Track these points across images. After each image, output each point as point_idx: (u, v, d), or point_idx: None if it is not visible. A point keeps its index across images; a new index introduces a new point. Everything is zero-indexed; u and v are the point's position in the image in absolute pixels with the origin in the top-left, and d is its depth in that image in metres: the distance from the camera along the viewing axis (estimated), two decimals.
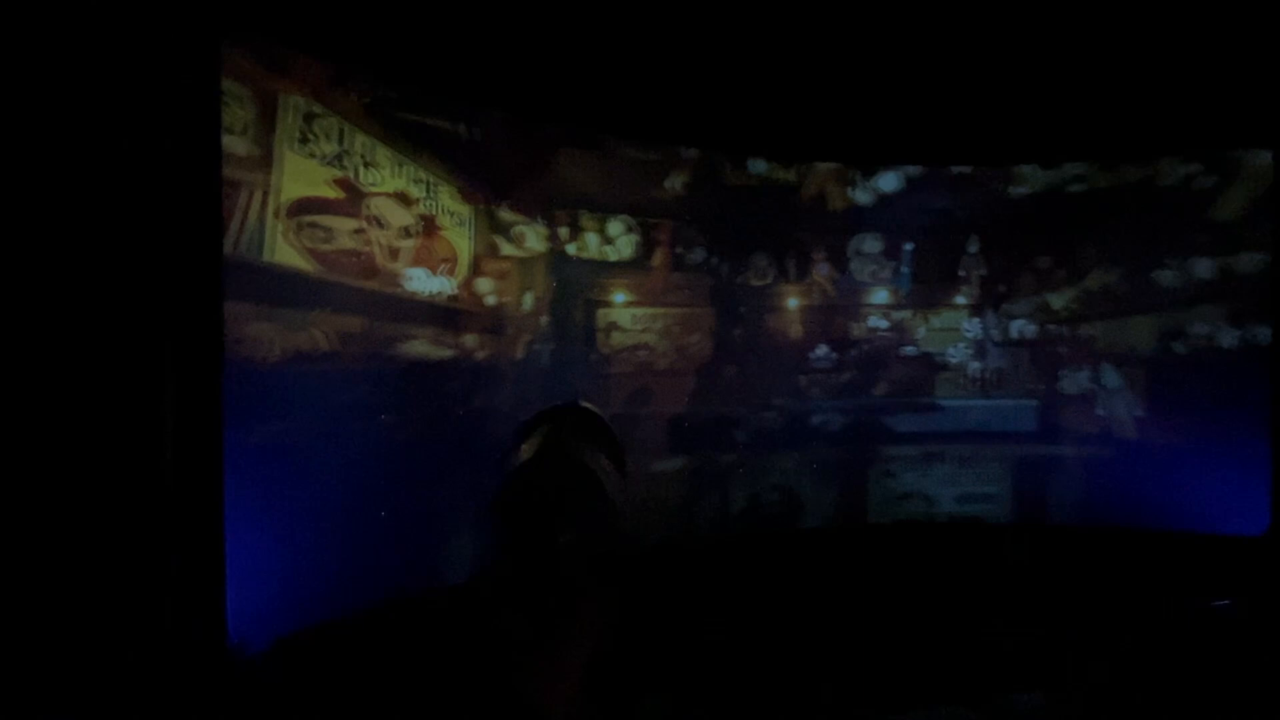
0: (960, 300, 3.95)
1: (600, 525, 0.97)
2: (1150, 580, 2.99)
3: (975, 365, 3.93)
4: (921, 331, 3.96)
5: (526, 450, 0.99)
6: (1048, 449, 3.83)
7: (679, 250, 3.56)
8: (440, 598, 2.75)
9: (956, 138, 3.64)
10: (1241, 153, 3.47)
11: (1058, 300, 3.85)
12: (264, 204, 2.28)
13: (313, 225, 2.41)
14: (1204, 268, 3.55)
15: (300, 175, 2.38)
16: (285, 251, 2.34)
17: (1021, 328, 3.88)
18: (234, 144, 2.20)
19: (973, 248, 3.89)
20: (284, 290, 2.33)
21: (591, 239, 3.34)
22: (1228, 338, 3.51)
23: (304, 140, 2.40)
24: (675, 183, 3.53)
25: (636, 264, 3.47)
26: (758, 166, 3.69)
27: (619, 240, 3.41)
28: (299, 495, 2.34)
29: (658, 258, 3.51)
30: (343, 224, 2.50)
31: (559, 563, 0.91)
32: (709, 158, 3.57)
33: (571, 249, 3.27)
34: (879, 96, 3.44)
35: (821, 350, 3.87)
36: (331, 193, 2.47)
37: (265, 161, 2.29)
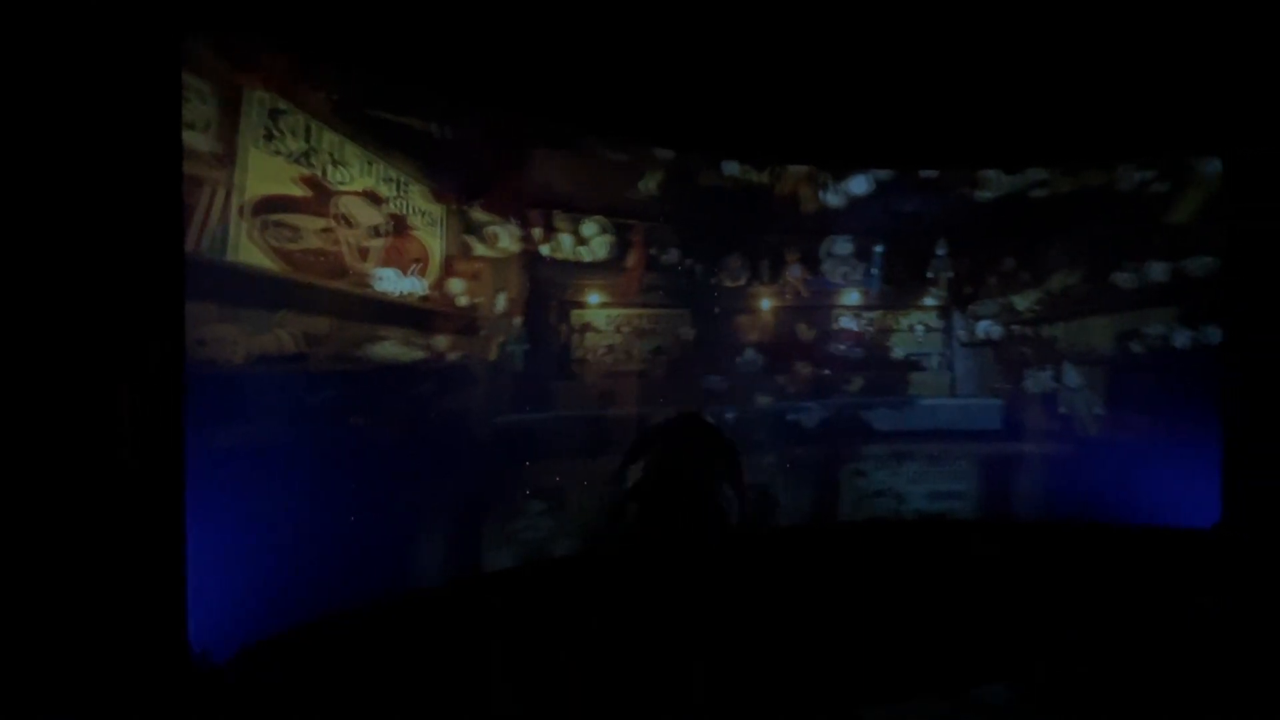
0: (929, 301, 4.04)
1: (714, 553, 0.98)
2: (1109, 574, 3.08)
3: (943, 365, 4.02)
4: (892, 332, 4.03)
5: (642, 471, 1.00)
6: (1013, 447, 3.93)
7: (653, 251, 3.57)
8: (413, 602, 2.72)
9: (924, 142, 3.72)
10: (1194, 160, 3.61)
11: (1021, 302, 3.95)
12: (227, 202, 2.22)
13: (279, 224, 2.36)
14: (1159, 270, 3.68)
15: (266, 173, 2.33)
16: (250, 251, 2.29)
17: (987, 328, 3.98)
18: (196, 140, 2.14)
19: (940, 250, 3.98)
20: (249, 290, 2.28)
21: (566, 240, 3.32)
22: (1181, 338, 3.64)
23: (269, 137, 2.35)
24: (649, 184, 3.53)
25: (611, 265, 3.47)
26: (731, 168, 3.72)
27: (593, 241, 3.41)
28: (265, 499, 2.29)
29: (632, 259, 3.51)
30: (310, 223, 2.45)
31: None
32: (683, 159, 3.59)
33: (545, 250, 3.26)
34: (849, 101, 3.50)
35: (793, 351, 3.91)
36: (298, 191, 2.43)
37: (229, 159, 2.24)
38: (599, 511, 3.11)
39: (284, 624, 2.32)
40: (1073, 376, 3.86)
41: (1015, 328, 3.96)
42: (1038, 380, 3.92)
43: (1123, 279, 3.76)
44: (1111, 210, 3.76)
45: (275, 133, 2.37)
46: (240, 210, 2.26)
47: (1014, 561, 3.45)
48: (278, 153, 2.37)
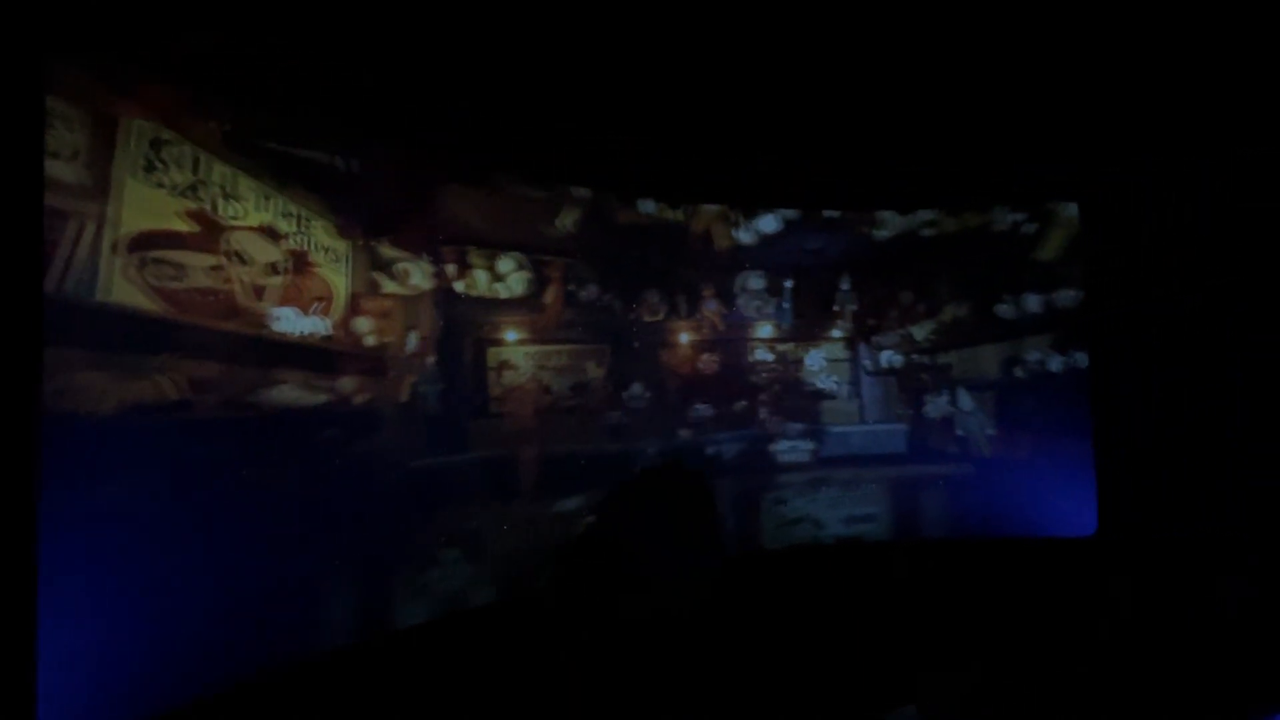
0: (836, 333, 4.25)
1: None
2: (1007, 586, 3.28)
3: (852, 393, 4.22)
4: (804, 363, 4.20)
5: (592, 524, 0.93)
6: (917, 469, 4.15)
7: (571, 287, 3.56)
8: (318, 667, 2.50)
9: (826, 184, 3.98)
10: (1055, 204, 4.05)
11: (919, 332, 4.24)
12: (98, 237, 2.03)
13: (159, 261, 2.17)
14: (1033, 303, 4.06)
15: (145, 206, 2.15)
16: (125, 290, 2.09)
17: (890, 358, 4.23)
18: (61, 170, 1.95)
19: (845, 284, 4.21)
20: (122, 333, 2.07)
21: (481, 276, 3.26)
22: (1055, 363, 4.02)
23: (150, 168, 2.18)
24: (566, 220, 3.55)
25: (528, 301, 3.42)
26: (647, 206, 3.81)
27: (510, 277, 3.36)
28: (138, 567, 2.05)
29: (550, 295, 3.49)
30: (197, 260, 2.27)
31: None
32: (600, 197, 3.64)
33: (460, 286, 3.18)
34: (758, 145, 3.71)
35: (712, 383, 3.99)
36: (183, 226, 2.25)
37: (101, 190, 2.05)
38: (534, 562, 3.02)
39: (162, 707, 2.06)
40: (966, 401, 4.15)
41: (914, 356, 4.23)
42: (936, 405, 4.19)
43: (1003, 310, 4.11)
44: (990, 248, 4.13)
45: (157, 164, 2.20)
46: (114, 246, 2.07)
47: (924, 581, 3.61)
48: (160, 185, 2.20)
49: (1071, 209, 4.01)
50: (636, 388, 3.75)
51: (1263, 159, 3.10)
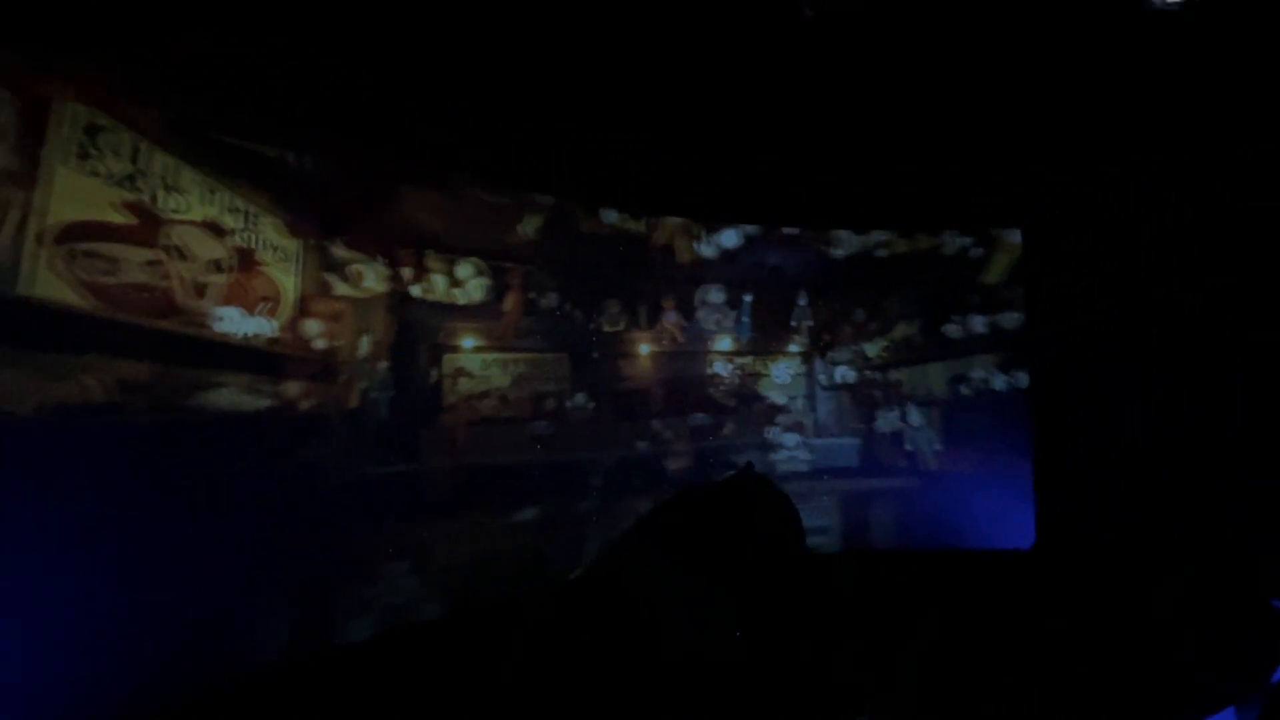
0: (793, 348, 4.32)
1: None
2: (950, 596, 3.37)
3: (807, 407, 4.30)
4: (761, 376, 4.26)
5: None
6: (868, 482, 4.25)
7: (531, 295, 3.52)
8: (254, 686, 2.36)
9: (785, 202, 4.06)
10: (999, 231, 4.24)
11: (871, 349, 4.35)
12: (22, 226, 1.90)
13: (90, 254, 2.04)
14: (979, 323, 4.23)
15: (76, 195, 2.02)
16: (50, 284, 1.96)
17: (843, 373, 4.33)
18: None
19: (801, 300, 4.30)
20: (45, 330, 1.93)
21: (439, 281, 3.19)
22: (999, 382, 4.19)
23: (85, 156, 2.06)
24: (528, 227, 3.51)
25: (487, 308, 3.37)
26: (610, 216, 3.81)
27: (469, 283, 3.30)
28: (55, 579, 1.90)
29: (509, 302, 3.44)
30: (132, 254, 2.15)
31: None
32: (562, 205, 3.62)
33: (416, 290, 3.10)
34: (721, 160, 3.76)
35: (671, 395, 4.00)
36: (118, 217, 2.13)
37: (28, 177, 1.92)
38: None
39: None
40: (915, 416, 4.28)
41: (867, 372, 4.34)
42: (887, 420, 4.31)
43: (951, 330, 4.27)
44: (940, 270, 4.29)
45: (92, 151, 2.07)
46: (40, 236, 1.93)
47: (872, 591, 3.68)
48: (94, 173, 2.08)
49: (1015, 235, 4.21)
50: (587, 399, 3.72)
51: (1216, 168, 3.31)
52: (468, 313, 3.30)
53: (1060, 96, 3.33)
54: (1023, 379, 4.11)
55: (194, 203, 2.33)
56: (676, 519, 0.83)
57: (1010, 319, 4.18)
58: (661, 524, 0.83)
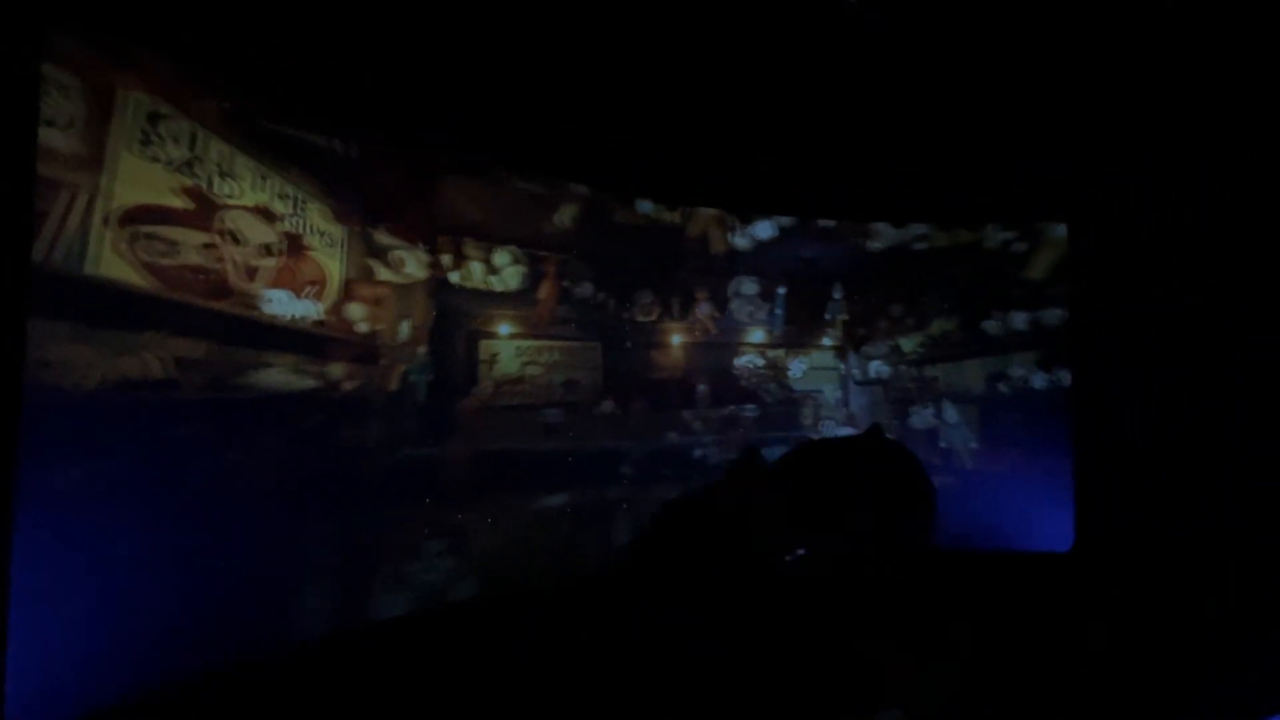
0: (827, 342, 4.28)
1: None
2: (986, 597, 3.32)
3: (840, 402, 4.25)
4: (794, 369, 4.23)
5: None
6: None
7: (566, 283, 3.56)
8: (288, 661, 2.46)
9: (822, 194, 4.02)
10: (1044, 225, 4.12)
11: (907, 344, 4.28)
12: (89, 209, 1.99)
13: (151, 236, 2.14)
14: (1020, 320, 4.13)
15: (139, 180, 2.12)
16: (114, 264, 2.05)
17: (878, 368, 4.27)
18: (55, 139, 1.92)
19: (837, 294, 4.25)
20: (110, 308, 2.03)
21: (476, 268, 3.25)
22: (1039, 380, 4.08)
23: (147, 142, 2.15)
24: (564, 217, 3.55)
25: (522, 295, 3.41)
26: (645, 207, 3.82)
27: (505, 271, 3.35)
28: (112, 547, 2.01)
29: (544, 290, 3.48)
30: (189, 237, 2.24)
31: None
32: (598, 195, 3.64)
33: (455, 277, 3.16)
34: (757, 151, 3.73)
35: (703, 386, 4.00)
36: (178, 202, 2.22)
37: (95, 162, 2.02)
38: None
39: (131, 690, 2.02)
40: (951, 414, 4.20)
41: (902, 368, 4.28)
42: (921, 417, 4.24)
43: (990, 326, 4.18)
44: (980, 265, 4.20)
45: (154, 138, 2.16)
46: (105, 219, 2.03)
47: (903, 588, 3.64)
48: (155, 159, 2.17)
49: (1060, 230, 4.09)
50: (618, 387, 3.75)
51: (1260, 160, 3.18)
52: (503, 300, 3.36)
53: (1113, 85, 3.22)
54: (1065, 377, 4.01)
55: (246, 189, 2.42)
56: (809, 462, 0.84)
57: (1053, 316, 4.07)
58: (790, 468, 0.85)
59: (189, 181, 2.25)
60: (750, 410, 4.10)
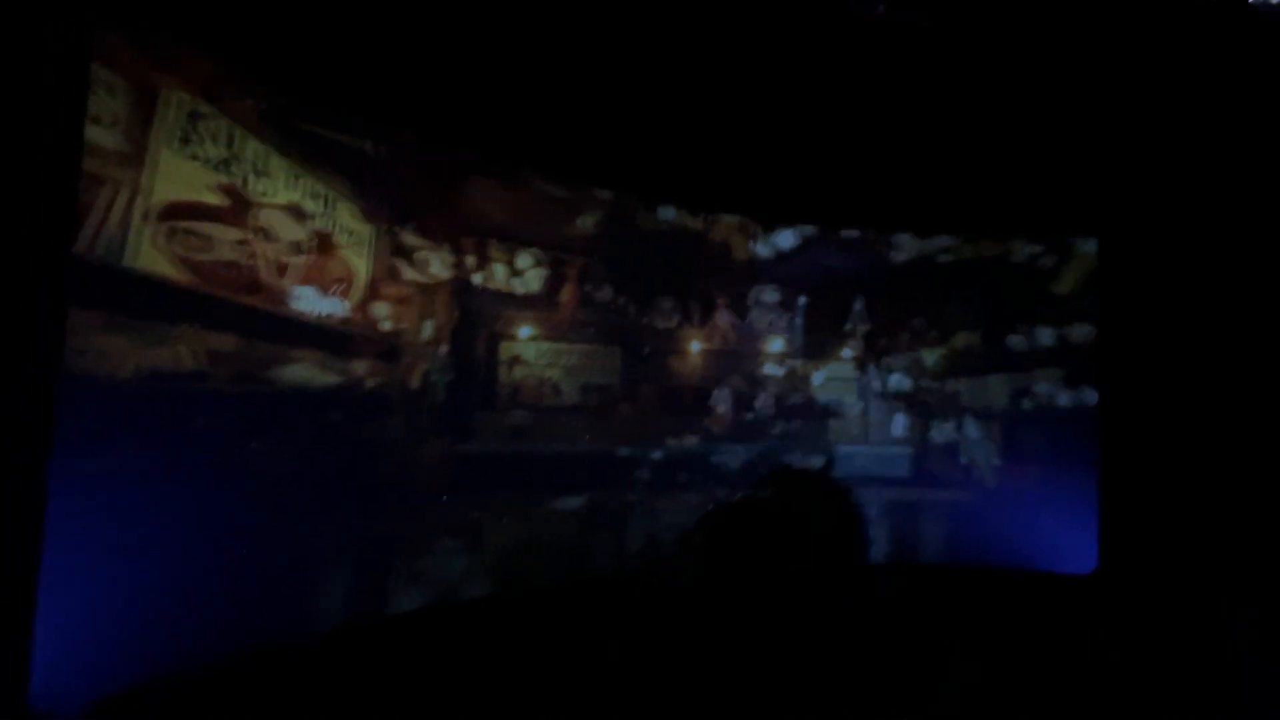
0: (847, 353, 4.25)
1: None
2: (1002, 615, 3.25)
3: (859, 413, 4.22)
4: (813, 380, 4.20)
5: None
6: (919, 493, 4.14)
7: (587, 288, 3.58)
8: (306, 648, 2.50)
9: (845, 204, 3.99)
10: (1074, 239, 4.05)
11: (929, 357, 4.23)
12: (130, 204, 2.06)
13: (188, 232, 2.20)
14: (1046, 336, 4.06)
15: (178, 177, 2.18)
16: (152, 257, 2.12)
17: (899, 380, 4.22)
18: (100, 136, 1.99)
19: (858, 305, 4.22)
20: (146, 299, 2.10)
21: (499, 270, 3.29)
22: (1064, 398, 4.00)
23: (186, 140, 2.22)
24: (587, 221, 3.57)
25: (544, 298, 3.44)
26: (667, 213, 3.83)
27: (528, 273, 3.38)
28: (140, 532, 2.06)
29: (566, 293, 3.51)
30: (224, 233, 2.30)
31: None
32: (621, 200, 3.67)
33: (478, 279, 3.20)
34: (781, 160, 3.73)
35: (721, 393, 4.00)
36: (214, 199, 2.28)
37: (137, 158, 2.09)
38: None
39: (159, 672, 2.07)
40: (973, 429, 4.14)
41: (923, 381, 4.23)
42: (942, 431, 4.18)
43: (1015, 341, 4.11)
44: (1006, 278, 4.14)
45: (193, 136, 2.23)
46: (145, 214, 2.10)
47: (917, 604, 3.59)
48: (194, 157, 2.23)
49: (1090, 244, 4.01)
50: (636, 392, 3.75)
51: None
52: (525, 302, 3.39)
53: (1145, 100, 3.16)
54: (1090, 396, 3.92)
55: (280, 187, 2.48)
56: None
57: (1080, 332, 3.99)
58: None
59: (226, 179, 2.31)
60: (767, 418, 4.08)
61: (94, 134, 1.96)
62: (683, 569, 0.89)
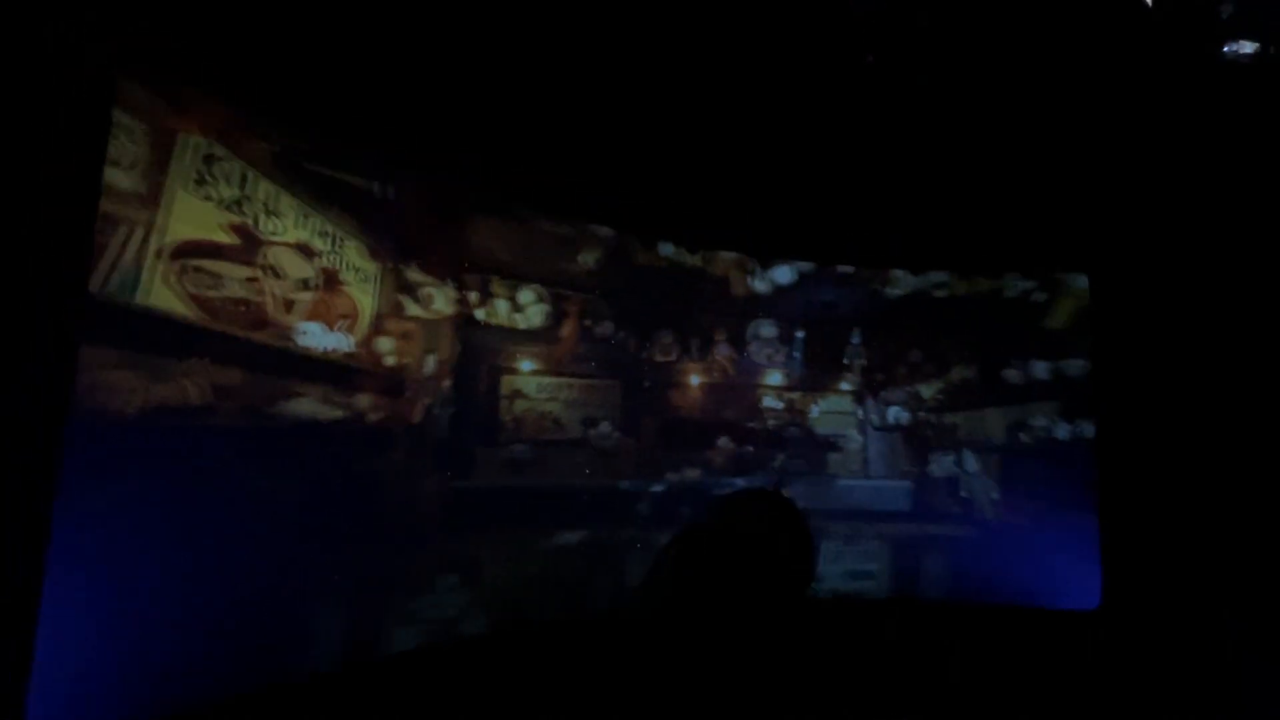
0: (845, 386, 4.28)
1: None
2: (1004, 655, 3.21)
3: (858, 447, 4.23)
4: (811, 413, 4.23)
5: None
6: (920, 528, 4.12)
7: (588, 323, 3.63)
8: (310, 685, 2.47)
9: (841, 240, 4.08)
10: (1065, 275, 4.13)
11: (927, 390, 4.27)
12: (145, 243, 2.11)
13: (199, 270, 2.25)
14: (1041, 369, 4.10)
15: (191, 217, 2.25)
16: (163, 295, 2.16)
17: (897, 414, 4.25)
18: (119, 178, 2.05)
19: (855, 339, 4.27)
20: (156, 336, 2.13)
21: (501, 305, 3.34)
22: (1062, 430, 4.03)
23: (201, 182, 2.29)
24: (588, 258, 3.65)
25: (545, 333, 3.49)
26: (666, 249, 3.92)
27: (529, 309, 3.44)
28: (140, 569, 2.06)
29: (566, 328, 3.56)
30: (234, 271, 2.36)
31: None
32: (621, 237, 3.75)
33: (480, 314, 3.25)
34: (777, 198, 3.83)
35: (720, 427, 4.01)
36: (225, 238, 2.34)
37: (152, 199, 2.15)
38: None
39: (162, 713, 2.04)
40: (971, 462, 4.15)
41: (921, 414, 4.25)
42: (941, 465, 4.19)
43: (1011, 375, 4.15)
44: (1000, 313, 4.20)
45: (208, 178, 2.30)
46: (158, 252, 2.15)
47: (918, 643, 3.55)
48: (208, 198, 2.30)
49: (1081, 280, 4.09)
50: (636, 426, 3.77)
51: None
52: (526, 337, 3.44)
53: (1132, 137, 3.27)
54: (1088, 429, 3.95)
55: (289, 226, 2.55)
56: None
57: (1075, 366, 4.04)
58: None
59: (237, 219, 2.38)
60: (767, 451, 4.09)
61: (113, 176, 2.03)
62: (648, 601, 0.91)
